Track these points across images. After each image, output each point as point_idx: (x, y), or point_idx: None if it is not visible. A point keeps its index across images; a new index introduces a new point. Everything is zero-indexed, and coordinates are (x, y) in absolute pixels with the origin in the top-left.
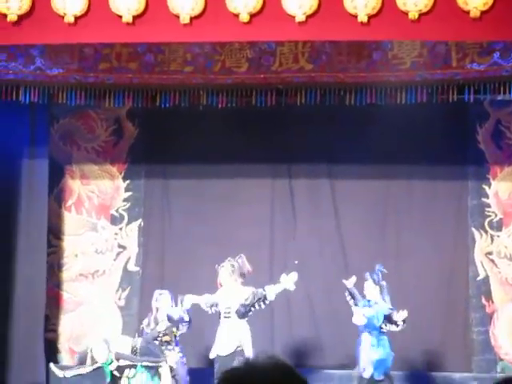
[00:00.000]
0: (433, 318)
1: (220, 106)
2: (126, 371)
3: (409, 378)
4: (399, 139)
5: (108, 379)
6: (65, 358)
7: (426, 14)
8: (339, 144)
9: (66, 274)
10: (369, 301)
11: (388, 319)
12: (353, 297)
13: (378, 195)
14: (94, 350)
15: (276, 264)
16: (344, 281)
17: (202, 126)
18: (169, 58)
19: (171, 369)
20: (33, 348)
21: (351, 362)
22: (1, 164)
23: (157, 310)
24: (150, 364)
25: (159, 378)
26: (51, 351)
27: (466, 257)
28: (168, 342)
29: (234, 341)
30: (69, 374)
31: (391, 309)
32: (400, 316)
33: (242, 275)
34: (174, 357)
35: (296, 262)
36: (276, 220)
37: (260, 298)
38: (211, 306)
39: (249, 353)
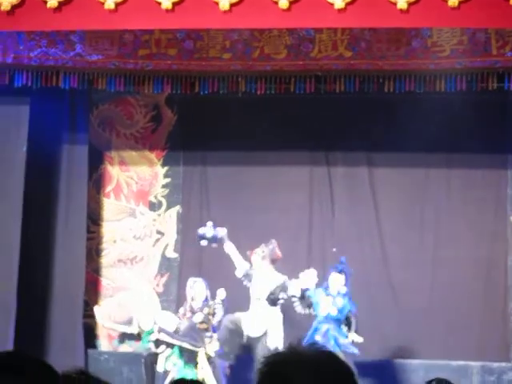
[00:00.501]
0: (471, 308)
1: (259, 92)
2: (162, 347)
3: (447, 367)
4: (438, 127)
5: (145, 348)
6: (103, 343)
7: (466, 1)
8: (378, 132)
9: (105, 260)
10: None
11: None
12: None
13: (417, 183)
14: (141, 316)
15: (314, 252)
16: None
17: (241, 112)
18: (208, 44)
19: (209, 357)
20: (72, 333)
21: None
22: (41, 150)
23: (192, 298)
24: (189, 347)
25: (195, 366)
26: (90, 337)
27: (504, 246)
28: (206, 330)
29: (261, 325)
30: (108, 324)
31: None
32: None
33: (274, 261)
34: (212, 345)
35: (334, 249)
36: (314, 208)
37: (282, 290)
38: (249, 275)
39: (276, 341)
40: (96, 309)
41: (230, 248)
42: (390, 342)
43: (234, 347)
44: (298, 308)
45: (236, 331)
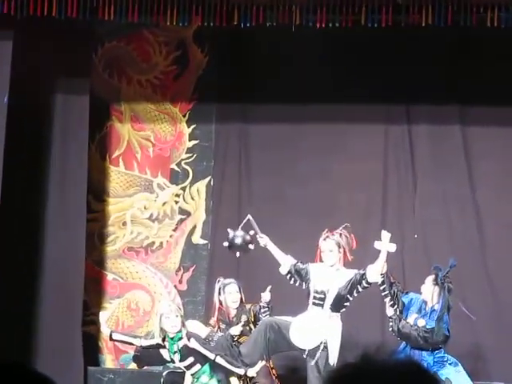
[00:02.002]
0: None
1: (318, 26)
2: (189, 360)
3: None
4: None
5: (168, 359)
6: (108, 359)
7: None
8: (475, 79)
9: (111, 248)
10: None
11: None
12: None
13: None
14: (165, 318)
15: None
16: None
17: (294, 52)
18: None
19: (250, 379)
20: (67, 346)
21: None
22: (27, 101)
23: (220, 303)
24: (225, 364)
25: None
26: (90, 350)
27: None
28: None
29: (318, 335)
30: (118, 336)
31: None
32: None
33: (351, 251)
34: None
35: (416, 235)
36: (390, 180)
37: (358, 280)
38: (299, 272)
39: (333, 355)
40: (101, 314)
41: (265, 240)
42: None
43: (275, 361)
44: (390, 310)
45: (278, 341)
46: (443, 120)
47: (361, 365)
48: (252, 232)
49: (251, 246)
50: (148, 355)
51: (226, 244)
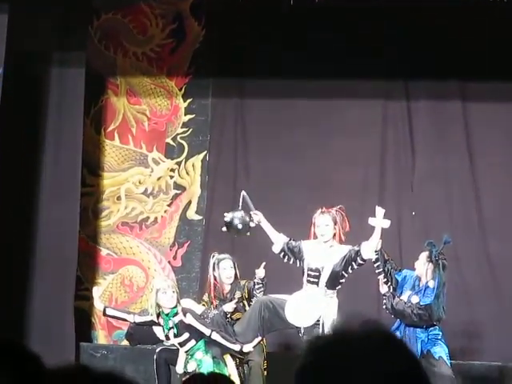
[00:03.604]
0: None
1: None
2: (184, 337)
3: None
4: None
5: (162, 338)
6: (100, 335)
7: None
8: (478, 52)
9: (105, 223)
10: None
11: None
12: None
13: None
14: (162, 293)
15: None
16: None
17: (292, 26)
18: None
19: (244, 353)
20: (59, 321)
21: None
22: (22, 73)
23: (215, 279)
24: (221, 340)
25: (225, 364)
26: (83, 326)
27: None
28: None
29: (314, 313)
30: (111, 312)
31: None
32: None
33: (345, 233)
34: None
35: (413, 213)
36: (388, 156)
37: (352, 257)
38: (291, 249)
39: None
40: (95, 290)
41: (259, 217)
42: (488, 342)
43: (269, 340)
44: (384, 288)
45: (273, 320)
46: (443, 95)
47: (336, 334)
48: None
49: (252, 224)
50: (141, 333)
51: (224, 229)
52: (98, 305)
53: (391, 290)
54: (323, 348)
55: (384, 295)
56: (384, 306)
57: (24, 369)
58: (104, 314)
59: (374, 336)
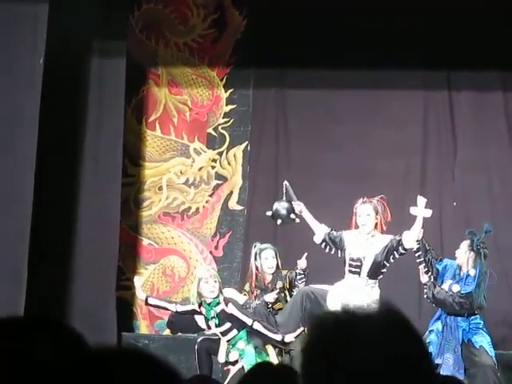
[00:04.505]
0: None
1: None
2: (226, 326)
3: None
4: None
5: (203, 326)
6: (142, 325)
7: None
8: None
9: (147, 213)
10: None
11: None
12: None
13: None
14: (204, 282)
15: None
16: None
17: (333, 17)
18: None
19: (286, 343)
20: (101, 311)
21: None
22: (63, 63)
23: (257, 269)
24: (263, 330)
25: (267, 354)
26: (125, 315)
27: None
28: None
29: (356, 303)
30: (153, 301)
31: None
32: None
33: (386, 223)
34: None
35: (455, 203)
36: (430, 146)
37: (394, 247)
38: (333, 240)
39: None
40: (136, 279)
41: (301, 207)
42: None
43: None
44: (425, 277)
45: (314, 310)
46: (485, 85)
47: (343, 312)
48: (295, 204)
49: (293, 216)
50: (183, 322)
51: (269, 213)
52: (141, 294)
53: (432, 280)
54: (329, 325)
55: (425, 284)
56: (425, 296)
57: (64, 344)
58: (146, 303)
59: (380, 317)
